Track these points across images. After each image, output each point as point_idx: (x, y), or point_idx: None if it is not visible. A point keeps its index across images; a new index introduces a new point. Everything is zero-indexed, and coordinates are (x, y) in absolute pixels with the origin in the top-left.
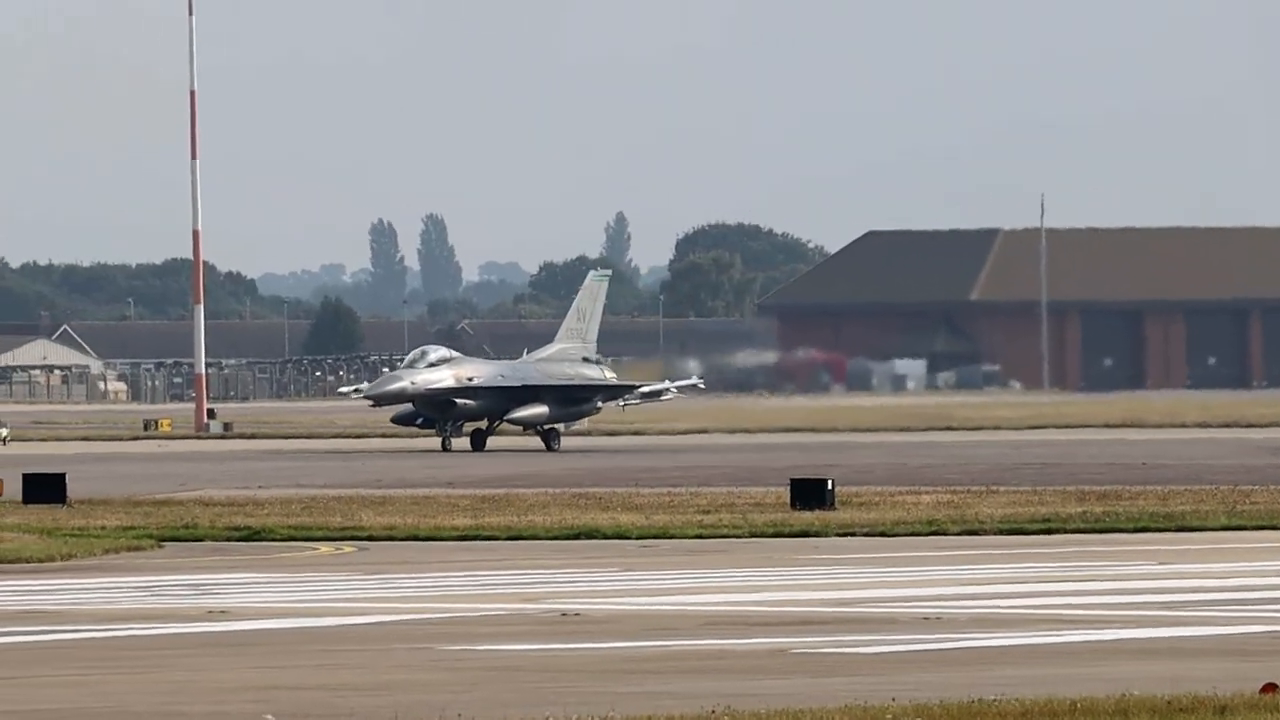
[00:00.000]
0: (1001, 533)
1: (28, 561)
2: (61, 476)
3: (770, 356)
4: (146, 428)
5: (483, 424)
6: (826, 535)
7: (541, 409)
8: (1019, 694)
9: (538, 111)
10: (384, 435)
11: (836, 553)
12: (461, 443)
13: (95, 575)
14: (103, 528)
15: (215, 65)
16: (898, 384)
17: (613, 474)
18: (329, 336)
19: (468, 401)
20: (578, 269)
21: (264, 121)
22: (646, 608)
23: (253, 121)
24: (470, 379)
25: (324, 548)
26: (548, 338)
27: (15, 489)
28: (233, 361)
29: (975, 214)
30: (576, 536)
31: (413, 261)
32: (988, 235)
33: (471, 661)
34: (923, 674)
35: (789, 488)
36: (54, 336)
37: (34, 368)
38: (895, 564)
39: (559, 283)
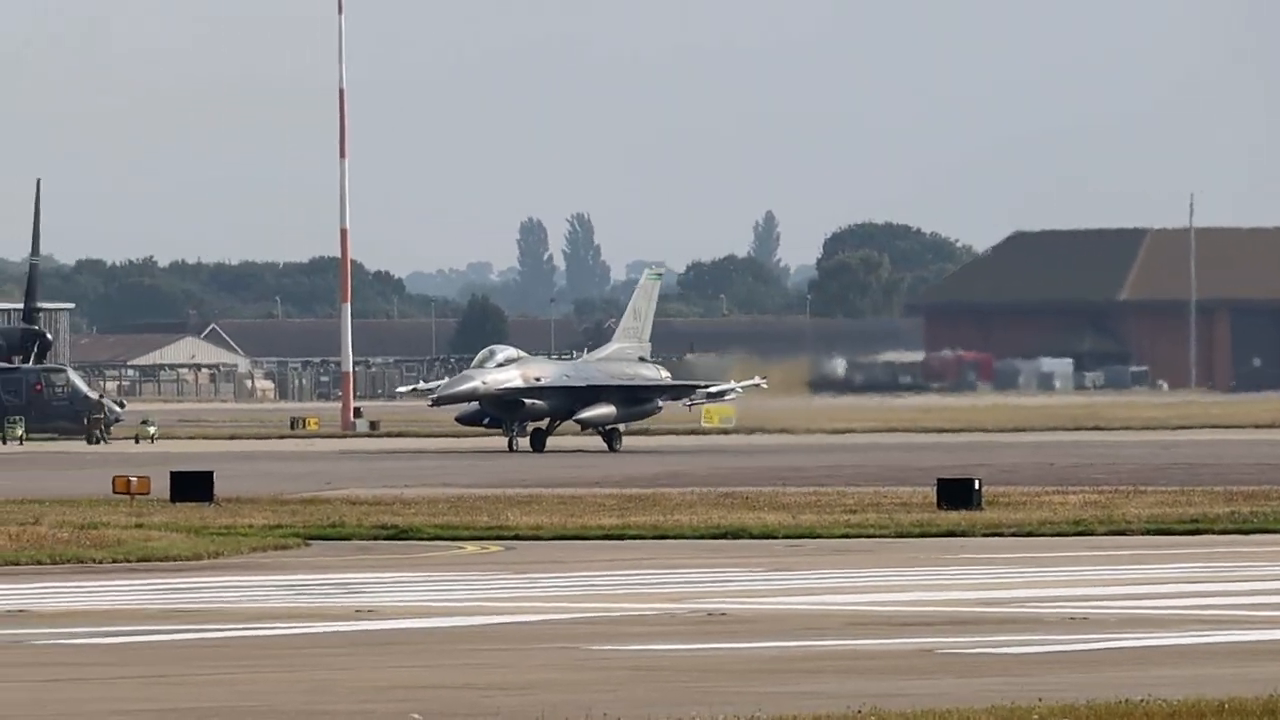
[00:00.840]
0: (1149, 533)
1: (175, 560)
2: (209, 475)
3: (917, 356)
4: (293, 426)
5: (543, 424)
6: (973, 535)
7: (609, 409)
8: (1166, 695)
9: (686, 109)
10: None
11: (983, 553)
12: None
13: (242, 574)
14: (249, 526)
15: (365, 64)
16: (1045, 383)
17: (759, 474)
18: (476, 335)
19: (536, 401)
20: (725, 268)
21: (413, 121)
22: (792, 607)
23: (402, 121)
24: (538, 379)
25: (470, 547)
26: (695, 337)
27: (163, 487)
28: (380, 360)
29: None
30: (723, 536)
31: (560, 260)
32: (1136, 235)
33: (617, 661)
34: (1069, 674)
35: (935, 487)
36: (202, 335)
37: (182, 366)
38: (1042, 564)
39: (706, 282)
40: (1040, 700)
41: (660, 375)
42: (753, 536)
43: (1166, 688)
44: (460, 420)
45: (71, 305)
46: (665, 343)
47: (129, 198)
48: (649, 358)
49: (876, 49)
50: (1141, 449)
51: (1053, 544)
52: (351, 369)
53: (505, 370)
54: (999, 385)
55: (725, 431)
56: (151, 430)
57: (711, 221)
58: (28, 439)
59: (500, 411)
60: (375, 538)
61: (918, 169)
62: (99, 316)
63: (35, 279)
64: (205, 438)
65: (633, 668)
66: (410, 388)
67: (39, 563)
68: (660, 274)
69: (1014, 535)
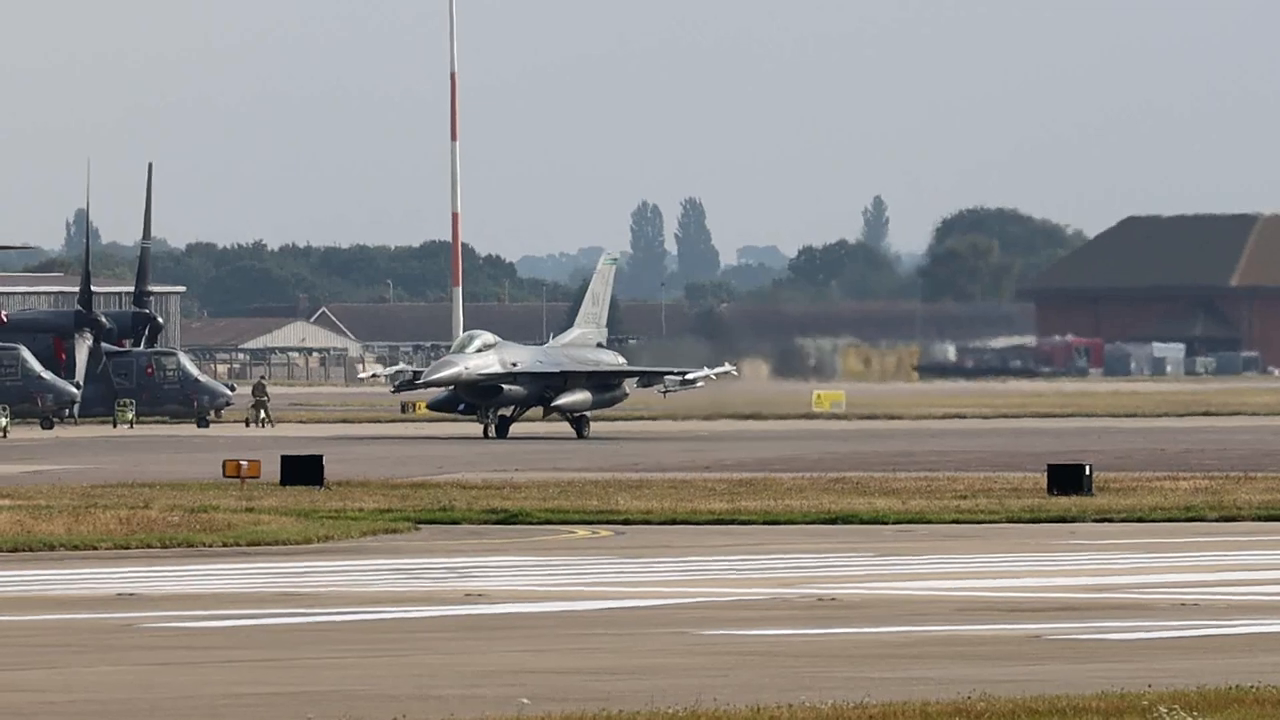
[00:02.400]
0: (1260, 519)
1: (286, 543)
2: (319, 458)
3: (1028, 340)
4: (404, 410)
5: (509, 411)
6: (1083, 521)
7: (585, 395)
8: (1277, 681)
9: (797, 94)
10: (646, 417)
11: (1093, 539)
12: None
13: (352, 558)
14: (360, 510)
15: (477, 48)
16: (1156, 368)
17: (870, 459)
18: None
19: (514, 387)
20: (836, 253)
21: (525, 105)
22: (902, 593)
23: (514, 104)
24: (514, 364)
25: (581, 531)
26: (805, 322)
27: (273, 470)
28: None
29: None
30: (833, 521)
31: (671, 245)
32: (1247, 220)
33: (728, 646)
34: (1179, 660)
35: (1046, 473)
36: (312, 319)
37: (292, 350)
38: (1152, 550)
39: (817, 267)
40: (1150, 687)
41: (619, 361)
42: (863, 522)
43: (1277, 674)
44: (433, 406)
45: (183, 289)
46: (775, 328)
47: (240, 182)
48: (605, 343)
49: (986, 32)
50: (1252, 435)
51: (1163, 530)
52: None
53: (484, 355)
54: (1110, 370)
55: (836, 416)
56: (262, 415)
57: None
58: (138, 422)
59: (477, 397)
60: (485, 522)
61: (1029, 154)
62: (210, 300)
63: (146, 262)
64: (316, 421)
65: (743, 652)
66: (371, 374)
67: (149, 546)
68: (616, 259)
69: (1124, 521)
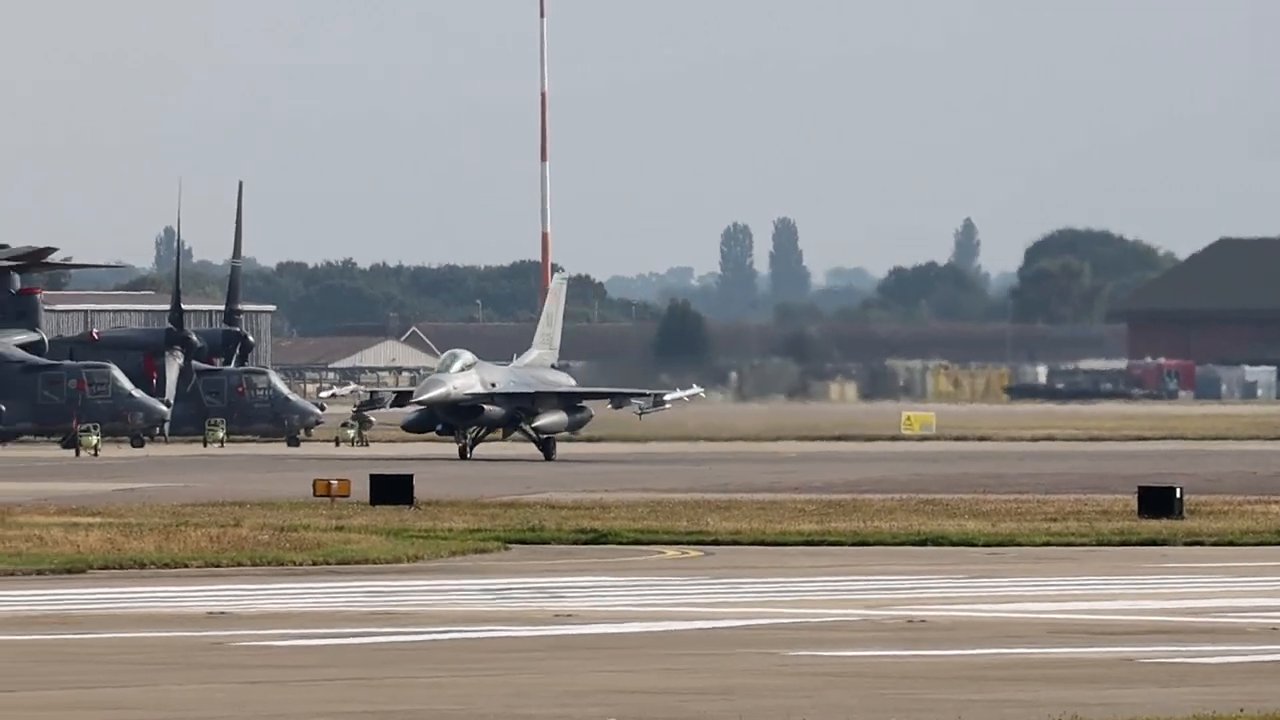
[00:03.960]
0: None
1: (375, 563)
2: (409, 478)
3: (1119, 363)
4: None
5: (479, 432)
6: (1174, 544)
7: (561, 416)
8: None
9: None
10: (735, 438)
11: (1184, 562)
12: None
13: (442, 577)
14: (449, 529)
15: (567, 69)
16: (1248, 391)
17: (959, 481)
18: (675, 339)
19: (493, 408)
20: (926, 275)
21: (615, 125)
22: (992, 615)
23: (603, 125)
24: (493, 384)
25: (670, 551)
26: (895, 343)
27: (363, 490)
28: (579, 363)
29: None
30: (923, 543)
31: (761, 265)
32: None
33: (817, 667)
34: (1272, 685)
35: (1136, 495)
36: (403, 338)
37: (382, 369)
38: (1244, 573)
39: (907, 287)
40: (1242, 711)
41: (570, 383)
42: (952, 543)
43: None
44: (407, 427)
45: (273, 307)
46: (865, 349)
47: (331, 201)
48: (557, 364)
49: (1075, 53)
50: None
51: (1255, 554)
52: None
53: (467, 375)
54: (1201, 393)
55: (925, 438)
56: (350, 433)
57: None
58: (229, 441)
59: (456, 418)
60: (575, 542)
61: (1121, 174)
62: (300, 319)
63: (237, 281)
64: (405, 441)
65: (832, 673)
66: (330, 393)
67: (240, 565)
68: (566, 278)
69: (1215, 544)
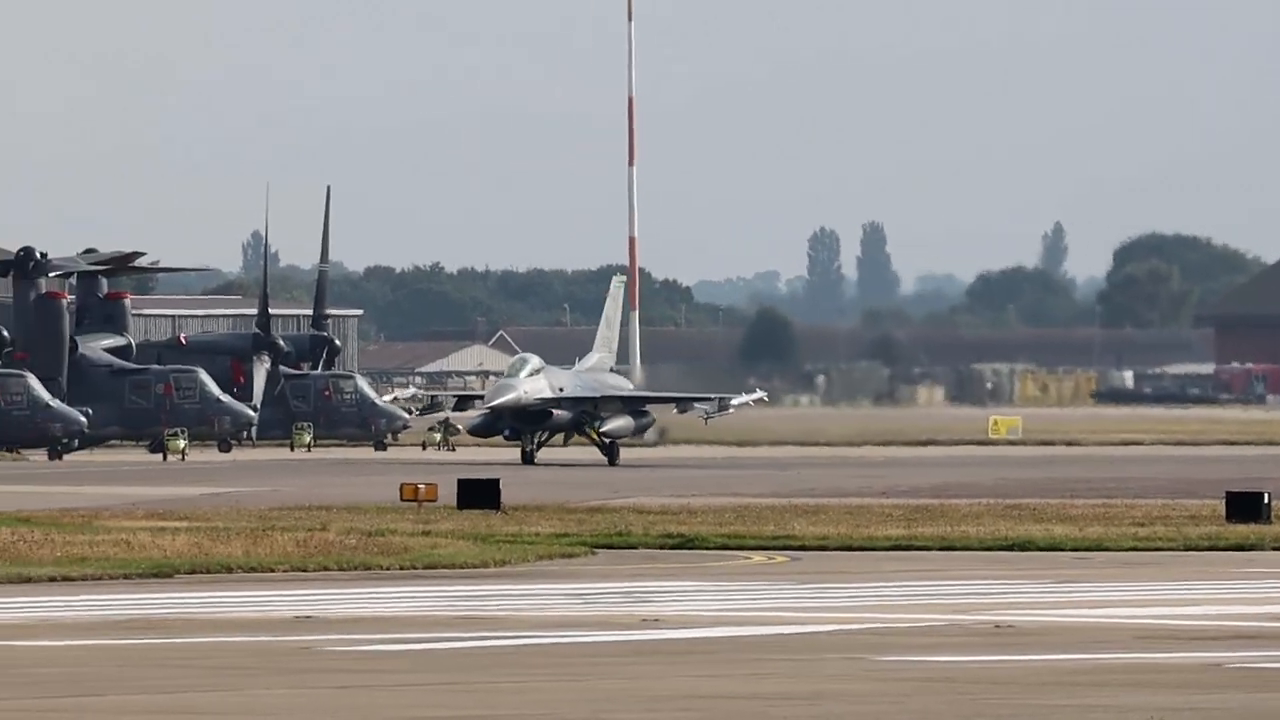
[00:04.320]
0: None
1: (462, 567)
2: (495, 482)
3: (1206, 368)
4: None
5: (542, 436)
6: (1262, 549)
7: (628, 420)
8: None
9: (977, 119)
10: (822, 443)
11: (1273, 567)
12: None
13: (529, 581)
14: (536, 534)
15: (654, 72)
16: None
17: (1046, 485)
18: (763, 344)
19: (561, 412)
20: (1014, 279)
21: (703, 128)
22: (1080, 620)
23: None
24: (561, 389)
25: (757, 556)
26: (982, 347)
27: (450, 494)
28: (666, 367)
29: None
30: (1010, 548)
31: (849, 270)
32: None
33: (905, 672)
34: None
35: (1224, 500)
36: (490, 342)
37: (470, 373)
38: None
39: (995, 292)
40: None
41: (628, 386)
42: (1039, 549)
43: None
44: (473, 431)
45: (360, 312)
46: (953, 353)
47: (418, 205)
48: (615, 368)
49: (1166, 59)
50: None
51: None
52: (638, 377)
53: (536, 380)
54: None
55: (1012, 443)
56: (437, 437)
57: (1001, 232)
58: (315, 445)
59: (524, 422)
60: (662, 546)
61: (1209, 178)
62: (387, 323)
63: (324, 285)
64: (491, 446)
65: (920, 679)
66: (391, 396)
67: (326, 569)
68: (624, 280)
69: None
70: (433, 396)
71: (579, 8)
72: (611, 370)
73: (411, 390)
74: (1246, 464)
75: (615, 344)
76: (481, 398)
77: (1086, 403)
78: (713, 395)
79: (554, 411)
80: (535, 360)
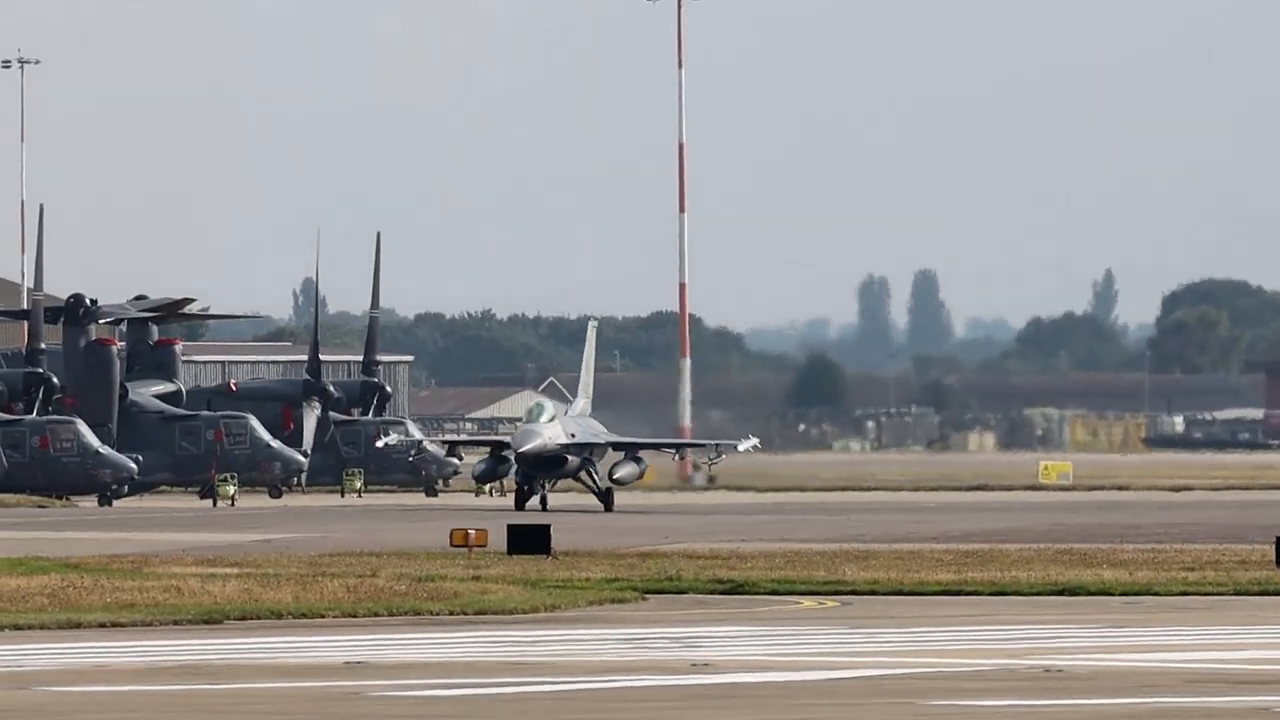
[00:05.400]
0: None
1: (512, 613)
2: (546, 528)
3: (1257, 413)
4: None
5: (553, 483)
6: None
7: (634, 467)
8: None
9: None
10: (873, 488)
11: None
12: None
13: (580, 626)
14: (586, 579)
15: (705, 118)
16: None
17: (1097, 530)
18: (813, 391)
19: (573, 458)
20: (1064, 325)
21: (752, 174)
22: (1130, 664)
23: (741, 174)
24: (572, 435)
25: (807, 601)
26: (1032, 393)
27: (500, 540)
28: (718, 414)
29: None
30: (1060, 592)
31: (898, 316)
32: None
33: (954, 716)
34: None
35: (1275, 545)
36: (540, 388)
37: (519, 419)
38: None
39: (1045, 338)
40: None
41: (605, 430)
42: (1089, 593)
43: None
44: (479, 478)
45: (411, 358)
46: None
47: (469, 251)
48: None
49: (1212, 103)
50: None
51: None
52: (689, 423)
53: (553, 426)
54: None
55: (1063, 488)
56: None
57: (1051, 278)
58: (366, 491)
59: (538, 468)
60: (712, 591)
61: (1259, 224)
62: (438, 369)
63: (375, 331)
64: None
65: None
66: (383, 442)
67: (376, 615)
68: (596, 324)
69: None
70: (449, 444)
71: (629, 55)
72: (589, 416)
73: (394, 436)
74: None
75: (590, 389)
76: (465, 443)
77: (1137, 448)
78: (708, 441)
79: (569, 458)
80: (551, 405)
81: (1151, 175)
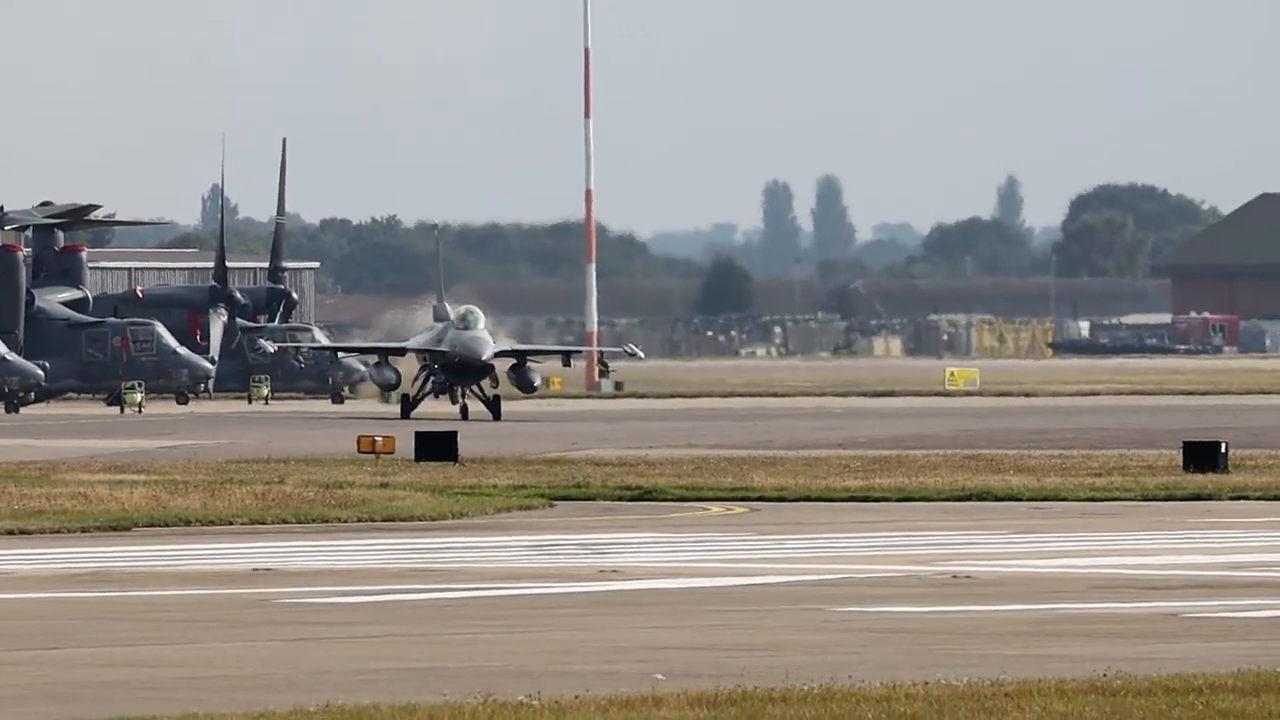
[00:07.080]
0: None
1: (420, 520)
2: (453, 435)
3: (1163, 318)
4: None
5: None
6: (1219, 499)
7: (539, 376)
8: None
9: (930, 71)
10: (780, 394)
11: (1229, 516)
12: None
13: (486, 534)
14: (494, 486)
15: (609, 23)
16: None
17: (1004, 436)
18: (719, 296)
19: (494, 365)
20: (970, 230)
21: (657, 82)
22: (1037, 570)
23: (645, 81)
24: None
25: (715, 508)
26: (939, 298)
27: (407, 447)
28: (624, 321)
29: None
30: (968, 498)
31: (804, 221)
32: None
33: (862, 623)
34: None
35: (1181, 450)
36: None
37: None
38: None
39: (951, 244)
40: None
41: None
42: (997, 499)
43: None
44: (387, 386)
45: (317, 265)
46: (909, 304)
47: (374, 158)
48: None
49: (1117, 9)
50: None
51: None
52: (596, 329)
53: (486, 331)
54: (1245, 347)
55: (969, 394)
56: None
57: (956, 183)
58: (273, 398)
59: (463, 377)
60: (620, 498)
61: (1164, 129)
62: (344, 276)
63: (281, 238)
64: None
65: (877, 629)
66: (275, 347)
67: (284, 522)
68: (438, 230)
69: (1261, 499)
70: (297, 348)
71: None
72: None
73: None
74: (1203, 414)
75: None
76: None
77: (1043, 353)
78: (591, 348)
79: (494, 364)
80: (478, 310)
81: (1055, 80)
